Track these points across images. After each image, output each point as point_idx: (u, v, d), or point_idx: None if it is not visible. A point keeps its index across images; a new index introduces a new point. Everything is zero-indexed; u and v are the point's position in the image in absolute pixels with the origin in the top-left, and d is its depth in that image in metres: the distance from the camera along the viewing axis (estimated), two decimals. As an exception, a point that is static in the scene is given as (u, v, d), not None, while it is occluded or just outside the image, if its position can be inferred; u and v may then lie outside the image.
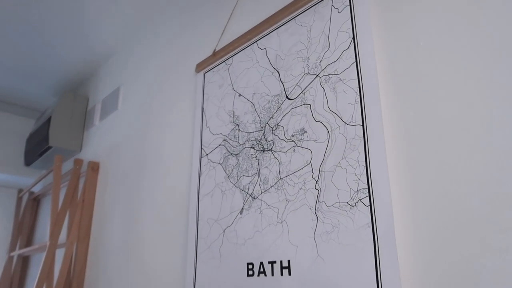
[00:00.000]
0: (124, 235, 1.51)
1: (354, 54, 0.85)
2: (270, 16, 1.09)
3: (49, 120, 2.05)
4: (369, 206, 0.74)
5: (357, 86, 0.83)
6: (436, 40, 0.74)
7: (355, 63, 0.84)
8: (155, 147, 1.49)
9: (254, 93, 1.08)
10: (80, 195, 1.81)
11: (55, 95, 2.43)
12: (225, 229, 1.04)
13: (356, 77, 0.83)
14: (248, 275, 0.93)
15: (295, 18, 1.02)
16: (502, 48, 0.65)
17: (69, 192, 1.81)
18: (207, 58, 1.30)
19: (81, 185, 1.87)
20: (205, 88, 1.28)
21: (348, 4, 0.90)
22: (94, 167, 1.85)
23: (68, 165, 2.14)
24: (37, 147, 2.13)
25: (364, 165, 0.76)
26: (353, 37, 0.86)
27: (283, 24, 1.06)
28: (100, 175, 1.84)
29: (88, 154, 2.01)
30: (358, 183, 0.77)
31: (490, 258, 0.59)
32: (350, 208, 0.77)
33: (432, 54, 0.74)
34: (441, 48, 0.73)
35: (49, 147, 2.04)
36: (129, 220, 1.51)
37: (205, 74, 1.30)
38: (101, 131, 1.95)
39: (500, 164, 0.61)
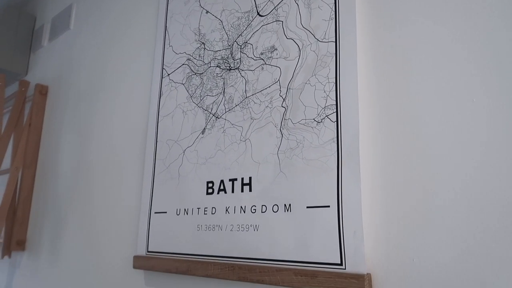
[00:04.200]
0: (75, 160, 1.44)
1: (332, -32, 0.81)
2: None
3: (-11, 37, 1.85)
4: (335, 122, 0.73)
5: (333, 2, 0.80)
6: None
7: (332, -23, 0.81)
8: (111, 69, 1.39)
9: (223, 10, 1.02)
10: (27, 119, 1.69)
11: (-4, 11, 2.19)
12: (185, 150, 1.01)
13: (333, -8, 0.80)
14: (208, 193, 0.93)
15: None
16: None
17: (14, 115, 1.68)
18: (172, -28, 1.20)
19: (27, 110, 1.74)
20: (169, 5, 1.19)
21: None
22: (42, 91, 1.72)
23: (12, 89, 1.97)
24: (-25, 67, 1.93)
25: (334, 81, 0.75)
26: (333, -50, 0.82)
27: None
28: (48, 99, 1.72)
29: (35, 77, 1.86)
30: (326, 100, 0.76)
31: (448, 177, 0.61)
32: (317, 124, 0.76)
33: (412, -30, 0.72)
34: (422, -37, 0.70)
35: (-10, 68, 1.86)
36: (81, 144, 1.43)
37: (170, -10, 1.21)
38: (50, 53, 1.80)
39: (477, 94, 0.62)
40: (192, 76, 1.05)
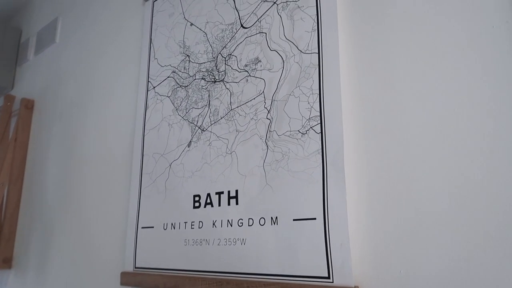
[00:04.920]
0: (62, 175, 1.42)
1: (314, -20, 0.81)
2: None
3: (-26, 51, 1.84)
4: (320, 133, 0.73)
5: (315, 13, 0.80)
6: (397, -34, 0.72)
7: (314, -11, 0.81)
8: (97, 82, 1.38)
9: (207, 22, 1.02)
10: (12, 134, 1.67)
11: (-19, 26, 2.17)
12: (171, 163, 1.00)
13: (315, 4, 0.80)
14: (195, 207, 0.91)
15: None
16: None
17: (-1, 130, 1.65)
18: (156, -15, 1.20)
19: (13, 125, 1.71)
20: (153, 17, 1.19)
21: None
22: (28, 105, 1.70)
23: (-2, 104, 1.95)
24: (-40, 82, 1.91)
25: (318, 92, 0.75)
26: (314, -38, 0.82)
27: (241, -52, 0.99)
28: (35, 114, 1.70)
29: (21, 91, 1.84)
30: (310, 111, 0.76)
31: (435, 189, 0.60)
32: (301, 136, 0.76)
33: (392, -19, 0.72)
34: (401, -25, 0.71)
35: (-25, 82, 1.84)
36: (68, 159, 1.42)
37: (154, 2, 1.20)
38: (36, 67, 1.78)
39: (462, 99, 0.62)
40: (178, 88, 1.05)
